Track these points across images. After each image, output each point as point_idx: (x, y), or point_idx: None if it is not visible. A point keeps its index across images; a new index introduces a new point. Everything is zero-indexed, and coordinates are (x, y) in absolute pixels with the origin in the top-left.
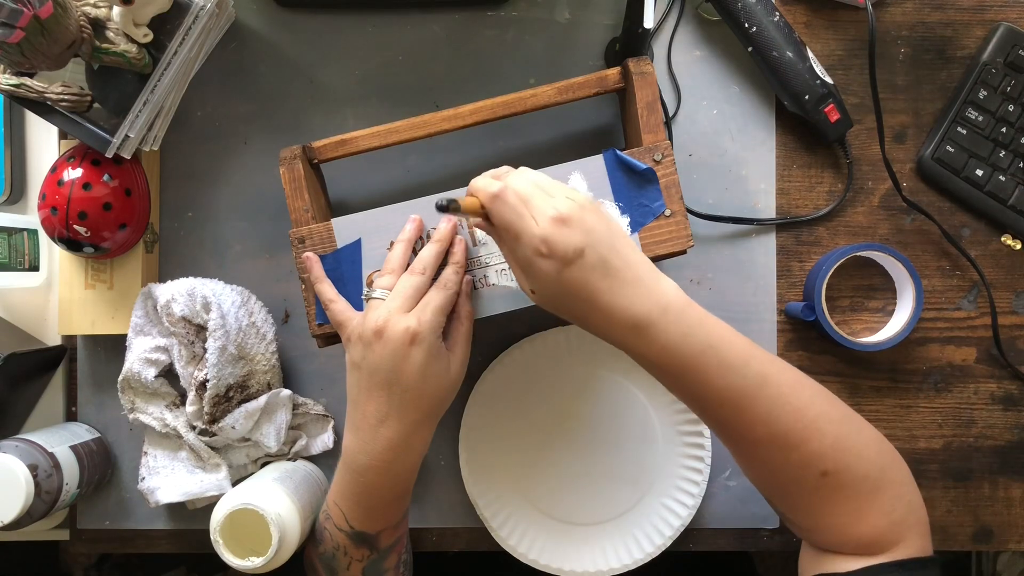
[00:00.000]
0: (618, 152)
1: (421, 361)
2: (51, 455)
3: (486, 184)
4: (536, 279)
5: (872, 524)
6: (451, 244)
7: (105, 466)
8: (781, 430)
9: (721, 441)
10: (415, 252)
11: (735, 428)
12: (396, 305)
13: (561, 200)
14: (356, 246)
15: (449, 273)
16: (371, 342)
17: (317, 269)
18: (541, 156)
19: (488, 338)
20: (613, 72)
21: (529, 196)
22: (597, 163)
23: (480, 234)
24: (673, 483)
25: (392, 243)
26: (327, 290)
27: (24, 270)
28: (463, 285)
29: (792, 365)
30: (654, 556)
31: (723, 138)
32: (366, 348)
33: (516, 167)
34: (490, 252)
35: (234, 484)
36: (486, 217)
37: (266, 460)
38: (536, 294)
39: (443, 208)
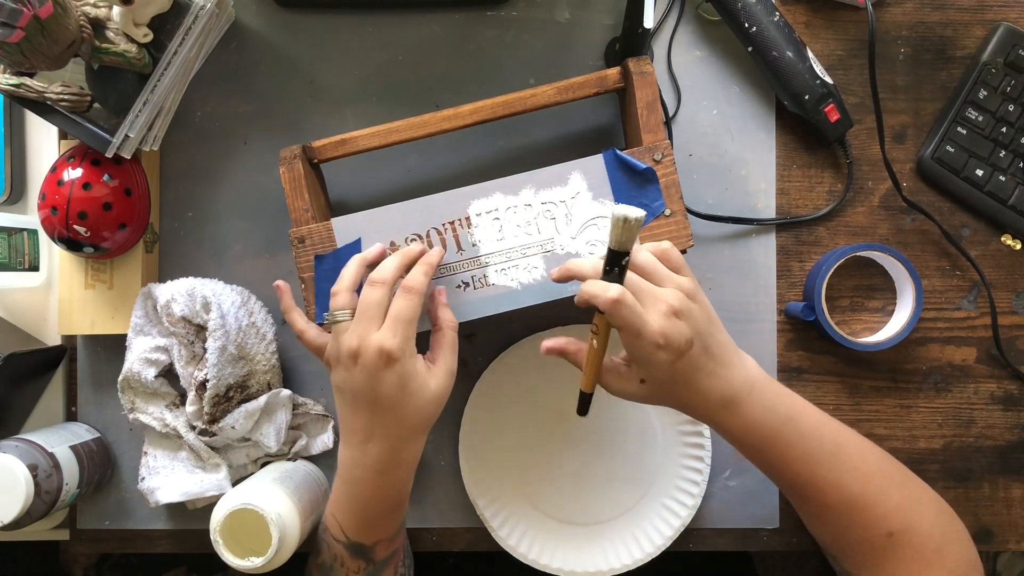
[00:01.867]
0: (618, 152)
1: (397, 382)
2: (51, 455)
3: (604, 290)
4: (651, 369)
5: None
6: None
7: (105, 466)
8: (850, 494)
9: (791, 503)
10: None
11: (808, 492)
12: (363, 326)
13: (671, 292)
14: (356, 246)
15: (417, 274)
16: (349, 366)
17: (287, 299)
18: (541, 156)
19: (488, 338)
20: (613, 72)
21: (643, 291)
22: (597, 163)
23: (475, 235)
24: (673, 483)
25: (392, 242)
26: (298, 320)
27: (24, 270)
28: (438, 295)
29: (855, 431)
30: (654, 556)
31: (723, 138)
32: (346, 372)
33: (519, 169)
34: (490, 252)
35: (234, 484)
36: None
37: (266, 460)
38: (646, 384)
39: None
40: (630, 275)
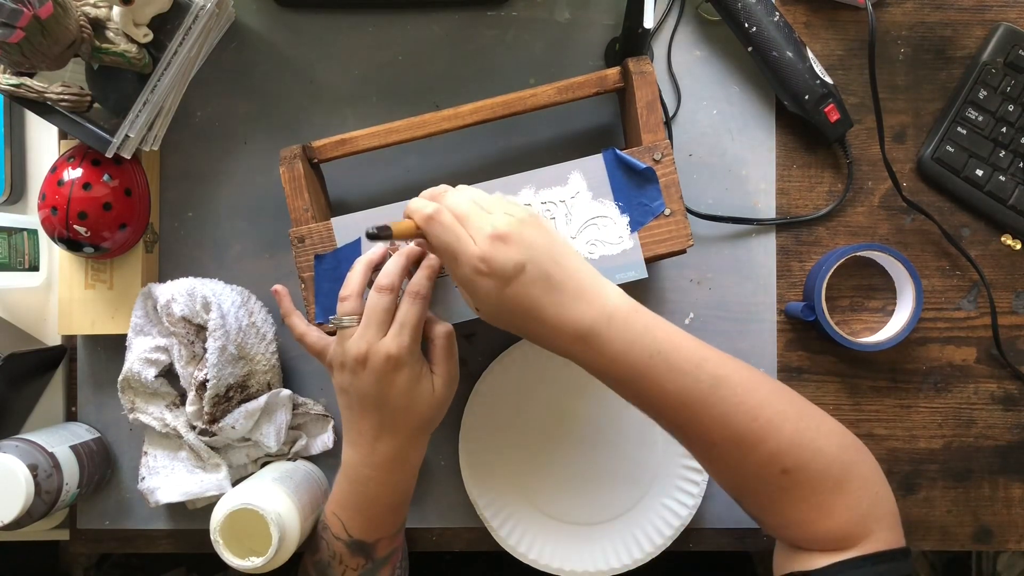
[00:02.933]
0: (618, 151)
1: (405, 385)
2: (51, 455)
3: (421, 206)
4: (478, 297)
5: (838, 519)
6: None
7: (105, 466)
8: (737, 431)
9: (681, 444)
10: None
11: (692, 431)
12: (372, 332)
13: (499, 216)
14: (356, 245)
15: (422, 278)
16: (356, 370)
17: (286, 303)
18: (541, 156)
19: (488, 338)
20: (613, 72)
21: (466, 214)
22: (597, 162)
23: None
24: (673, 483)
25: (392, 242)
26: (298, 324)
27: (24, 270)
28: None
29: (748, 364)
30: (654, 556)
31: (723, 138)
32: (352, 375)
33: (519, 169)
34: None
35: (234, 484)
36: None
37: (266, 460)
38: (480, 311)
39: (374, 236)
40: (455, 198)
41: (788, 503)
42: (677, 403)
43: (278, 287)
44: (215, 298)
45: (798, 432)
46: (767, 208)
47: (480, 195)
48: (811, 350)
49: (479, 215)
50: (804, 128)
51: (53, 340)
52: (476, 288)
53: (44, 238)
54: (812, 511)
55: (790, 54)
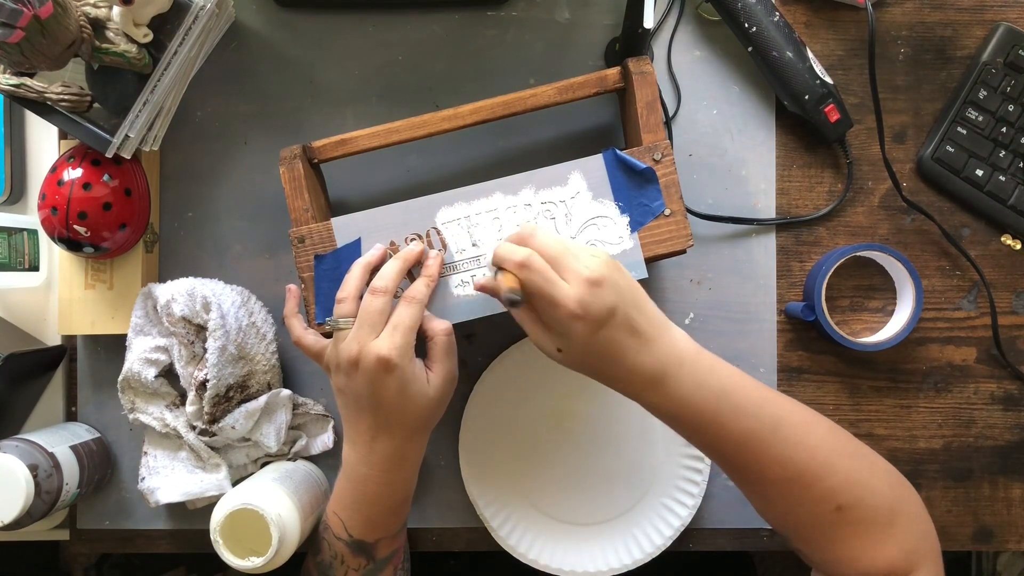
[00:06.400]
0: (618, 152)
1: (397, 387)
2: (51, 455)
3: (510, 251)
4: (568, 340)
5: (887, 555)
6: (423, 257)
7: (105, 466)
8: (796, 470)
9: (736, 483)
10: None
11: (751, 470)
12: (364, 333)
13: (589, 259)
14: (356, 245)
15: (420, 286)
16: (349, 372)
17: (292, 304)
18: (541, 156)
19: (488, 338)
20: (613, 72)
21: (558, 256)
22: (597, 163)
23: (475, 235)
24: (673, 483)
25: (392, 242)
26: (296, 326)
27: (24, 270)
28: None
29: (803, 403)
30: (654, 556)
31: (723, 138)
32: (347, 377)
33: (519, 169)
34: (485, 253)
35: (234, 484)
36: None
37: (266, 460)
38: (563, 353)
39: (514, 303)
40: (546, 239)
41: (840, 539)
42: (739, 443)
43: (292, 286)
44: (215, 298)
45: (853, 470)
46: (767, 208)
47: (564, 238)
48: (811, 350)
49: (571, 258)
50: (804, 128)
51: (53, 340)
52: (569, 331)
53: (44, 238)
54: (863, 548)
55: (790, 54)
